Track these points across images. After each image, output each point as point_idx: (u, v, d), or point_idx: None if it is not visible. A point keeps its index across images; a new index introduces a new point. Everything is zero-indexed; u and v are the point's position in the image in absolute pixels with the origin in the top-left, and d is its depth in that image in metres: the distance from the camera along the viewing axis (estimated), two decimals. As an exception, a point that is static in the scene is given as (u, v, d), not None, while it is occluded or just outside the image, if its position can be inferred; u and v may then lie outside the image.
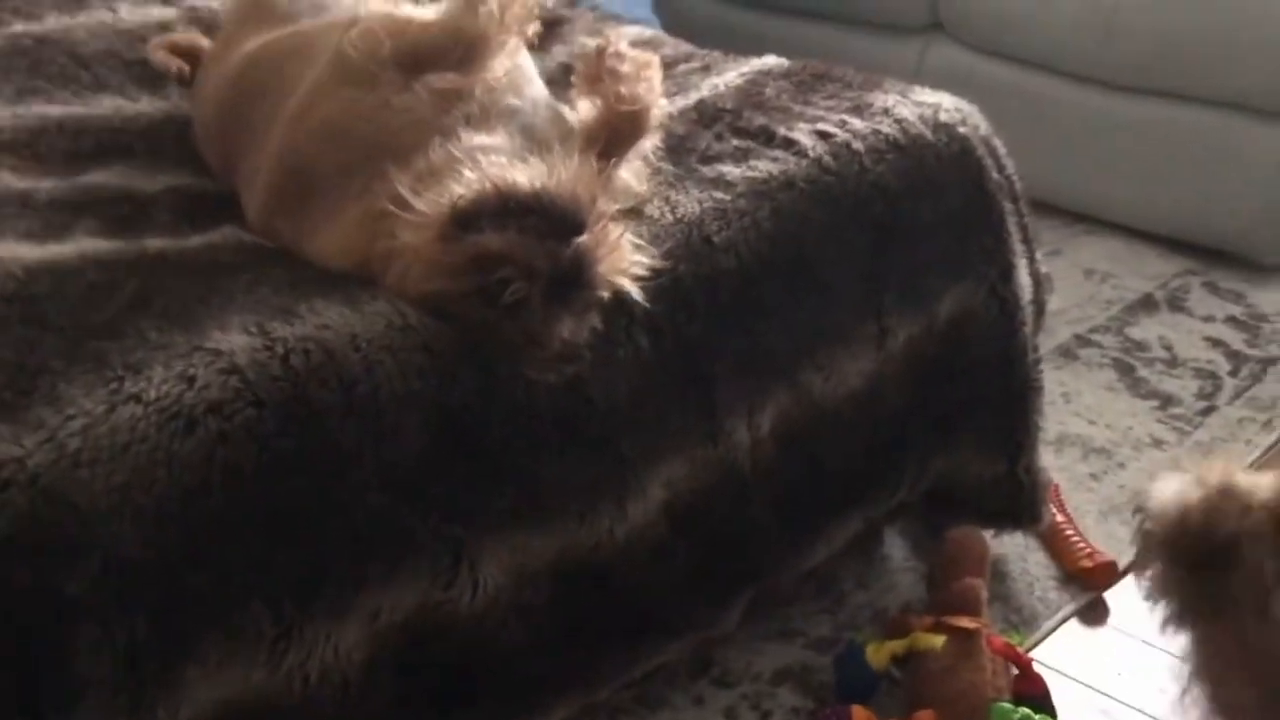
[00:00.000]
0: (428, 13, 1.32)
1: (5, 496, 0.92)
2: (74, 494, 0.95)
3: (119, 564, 0.96)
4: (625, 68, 1.30)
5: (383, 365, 1.08)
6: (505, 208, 1.06)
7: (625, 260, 1.15)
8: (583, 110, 1.29)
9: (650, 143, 1.32)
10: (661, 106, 1.32)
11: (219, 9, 1.73)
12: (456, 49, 1.24)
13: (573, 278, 1.07)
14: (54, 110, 1.50)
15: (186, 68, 1.59)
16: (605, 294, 1.13)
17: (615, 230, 1.15)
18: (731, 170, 1.37)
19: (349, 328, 1.09)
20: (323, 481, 1.05)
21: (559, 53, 1.71)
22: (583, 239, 1.07)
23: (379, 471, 1.08)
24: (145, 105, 1.55)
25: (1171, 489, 1.12)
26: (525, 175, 1.11)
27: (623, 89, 1.27)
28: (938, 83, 2.58)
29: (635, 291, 1.16)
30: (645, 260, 1.19)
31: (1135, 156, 2.51)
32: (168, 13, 1.76)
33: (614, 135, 1.27)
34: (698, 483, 1.29)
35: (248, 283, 1.14)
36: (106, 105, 1.53)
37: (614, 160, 1.25)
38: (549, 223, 1.06)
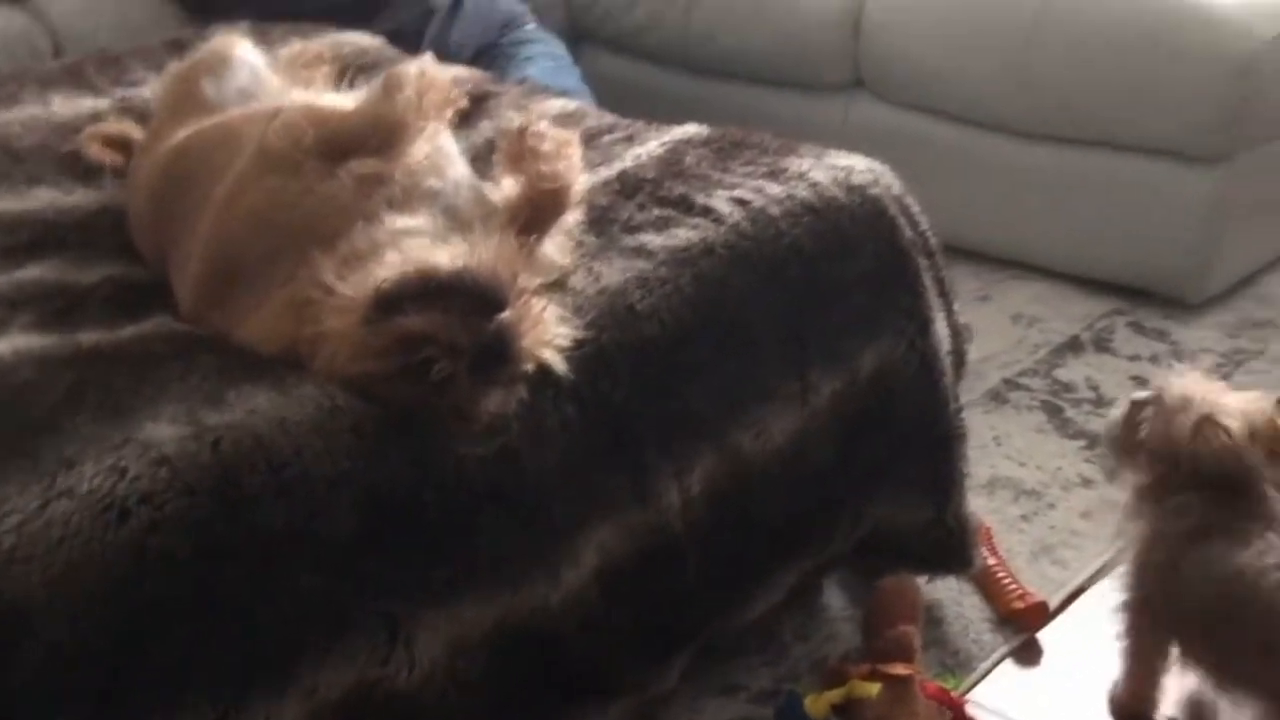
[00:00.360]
0: (348, 101, 1.36)
1: (-58, 595, 0.94)
2: (11, 589, 0.97)
3: (59, 655, 0.98)
4: (546, 146, 1.34)
5: (312, 447, 1.11)
6: (427, 289, 1.10)
7: (549, 333, 1.19)
8: (506, 188, 1.33)
9: (573, 218, 1.36)
10: (582, 183, 1.36)
11: (150, 99, 1.77)
12: (376, 136, 1.28)
13: (496, 353, 1.10)
14: (-13, 205, 1.53)
15: (120, 159, 1.62)
16: (530, 367, 1.17)
17: (538, 304, 1.18)
18: (653, 239, 1.41)
19: (277, 412, 1.12)
20: (256, 565, 1.07)
21: (486, 128, 1.75)
22: (505, 315, 1.10)
23: (312, 552, 1.10)
24: (80, 197, 1.58)
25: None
26: (446, 256, 1.14)
27: (544, 168, 1.32)
28: (862, 138, 2.66)
29: (559, 363, 1.20)
30: (568, 332, 1.23)
31: (1058, 202, 2.58)
32: (100, 104, 1.79)
33: (536, 212, 1.31)
34: (631, 546, 1.32)
35: (179, 372, 1.17)
36: (42, 198, 1.56)
37: (537, 236, 1.30)
38: (471, 301, 1.10)
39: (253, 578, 1.07)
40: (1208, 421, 1.40)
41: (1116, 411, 1.54)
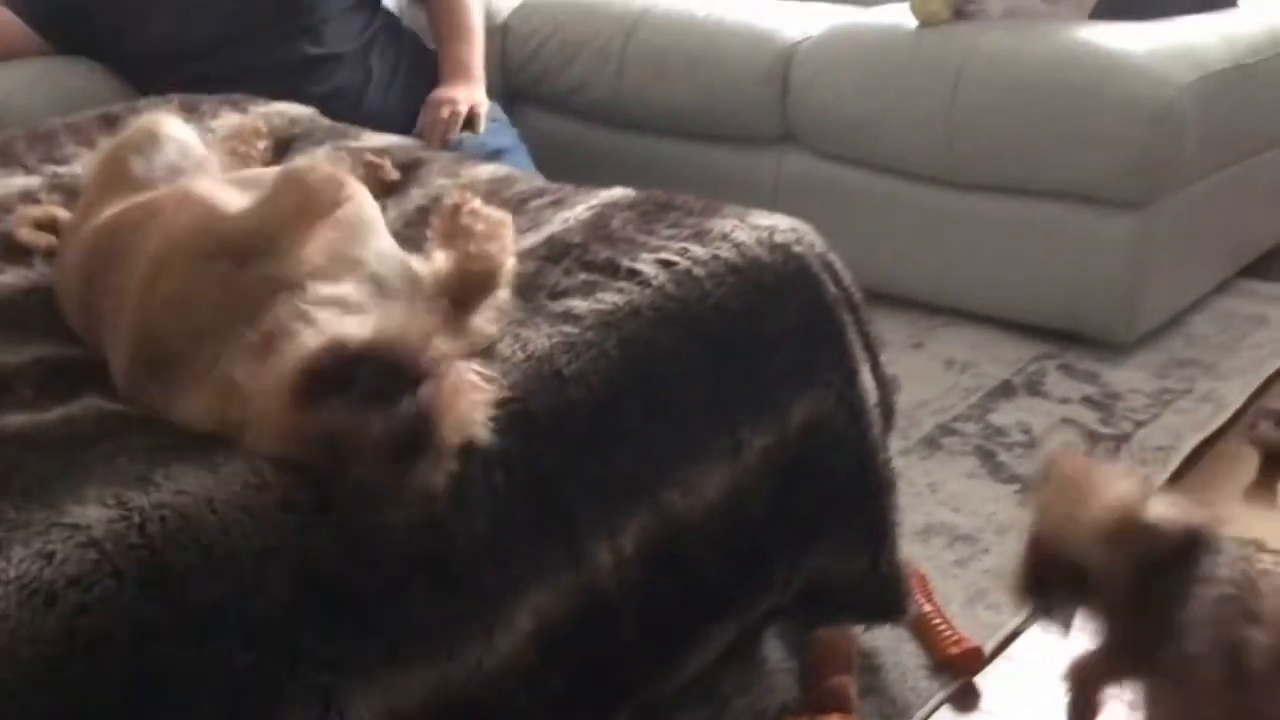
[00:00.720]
0: (242, 200, 1.36)
1: None
2: (-63, 677, 0.97)
3: (-5, 737, 0.99)
4: (480, 226, 1.36)
5: (240, 525, 1.12)
6: (340, 367, 1.11)
7: (469, 402, 1.18)
8: (437, 261, 1.34)
9: (503, 294, 1.38)
10: (512, 265, 1.38)
11: (80, 176, 1.78)
12: (268, 238, 1.27)
13: (414, 435, 1.10)
14: (-84, 288, 1.53)
15: (50, 241, 1.63)
16: (455, 439, 1.18)
17: (457, 370, 1.18)
18: (579, 304, 1.43)
19: (205, 491, 1.13)
20: (187, 643, 1.07)
21: (416, 196, 1.77)
22: (422, 390, 1.11)
23: (244, 628, 1.11)
24: (9, 277, 1.58)
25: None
26: (356, 327, 1.15)
27: (474, 249, 1.34)
28: (794, 191, 2.71)
29: (484, 434, 1.21)
30: (491, 395, 1.22)
31: (987, 249, 2.64)
32: (30, 182, 1.80)
33: (466, 290, 1.32)
34: (565, 607, 1.33)
35: (106, 453, 1.17)
36: (-31, 279, 1.56)
37: (465, 310, 1.31)
38: (384, 374, 1.10)
39: (185, 656, 1.07)
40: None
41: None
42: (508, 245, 1.36)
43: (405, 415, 1.09)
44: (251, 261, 1.25)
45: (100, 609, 1.03)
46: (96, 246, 1.45)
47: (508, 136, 2.64)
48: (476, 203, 1.39)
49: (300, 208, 1.30)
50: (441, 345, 1.18)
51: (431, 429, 1.11)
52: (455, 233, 1.35)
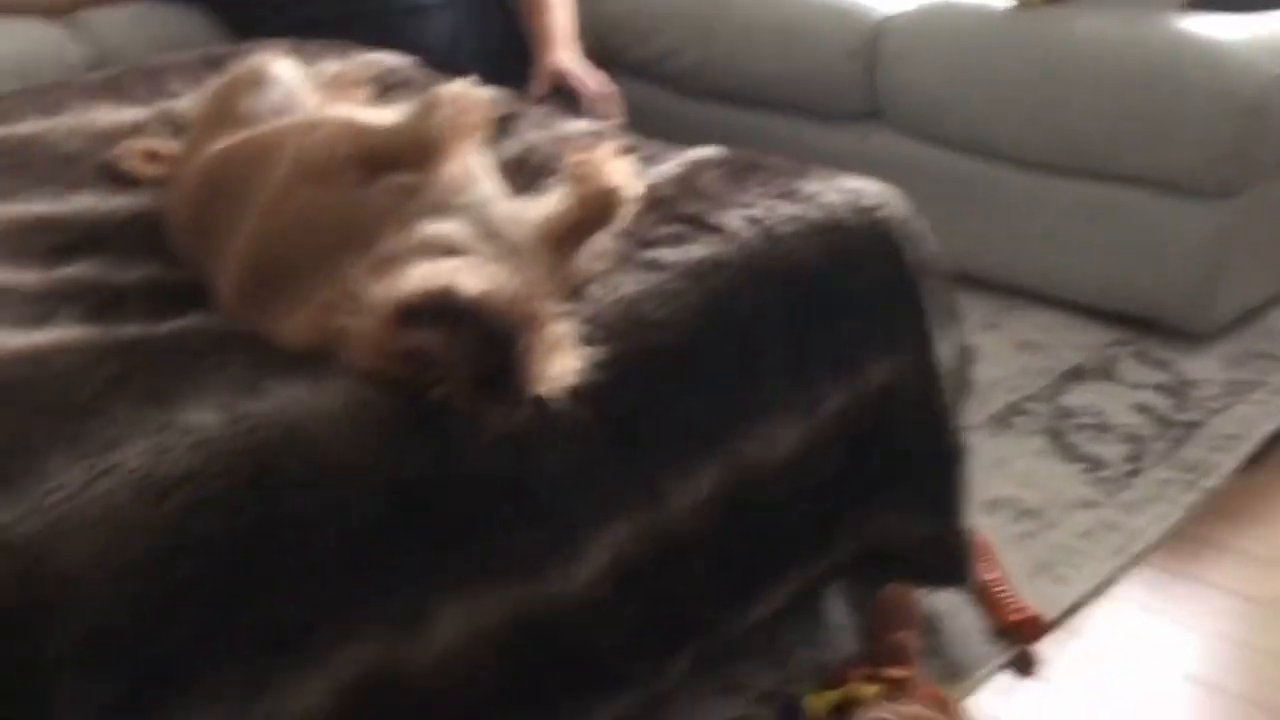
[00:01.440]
0: (387, 118, 1.43)
1: (-9, 563, 1.01)
2: (55, 560, 1.03)
3: (98, 626, 1.05)
4: (604, 170, 1.40)
5: (341, 437, 1.17)
6: (444, 309, 1.15)
7: (560, 365, 1.22)
8: (555, 200, 1.39)
9: (607, 238, 1.42)
10: (635, 194, 1.42)
11: (187, 112, 1.84)
12: (412, 152, 1.34)
13: (497, 386, 1.15)
14: (35, 208, 1.60)
15: (156, 171, 1.70)
16: (537, 394, 1.20)
17: (555, 332, 1.22)
18: (667, 254, 1.47)
19: (310, 402, 1.18)
20: (284, 548, 1.13)
21: (511, 146, 1.82)
22: (516, 348, 1.15)
23: (337, 538, 1.16)
24: (119, 203, 1.65)
25: None
26: (470, 279, 1.18)
27: (596, 187, 1.38)
28: (877, 167, 2.71)
29: (564, 392, 1.22)
30: (580, 365, 1.25)
31: (1067, 233, 2.64)
32: (140, 114, 1.87)
33: (580, 229, 1.38)
34: (640, 544, 1.38)
35: (215, 364, 1.24)
36: (84, 203, 1.63)
37: (574, 247, 1.36)
38: (483, 330, 1.14)
39: (280, 559, 1.13)
40: None
41: None
42: (630, 177, 1.41)
43: (497, 360, 1.14)
44: (386, 172, 1.31)
45: (208, 507, 1.10)
46: (208, 178, 1.51)
47: (599, 101, 2.68)
48: (606, 149, 1.44)
49: (449, 124, 1.34)
50: (544, 307, 1.22)
51: (513, 384, 1.16)
52: (582, 175, 1.40)
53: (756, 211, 1.54)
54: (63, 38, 2.68)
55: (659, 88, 3.17)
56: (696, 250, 1.48)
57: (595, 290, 1.40)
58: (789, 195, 1.59)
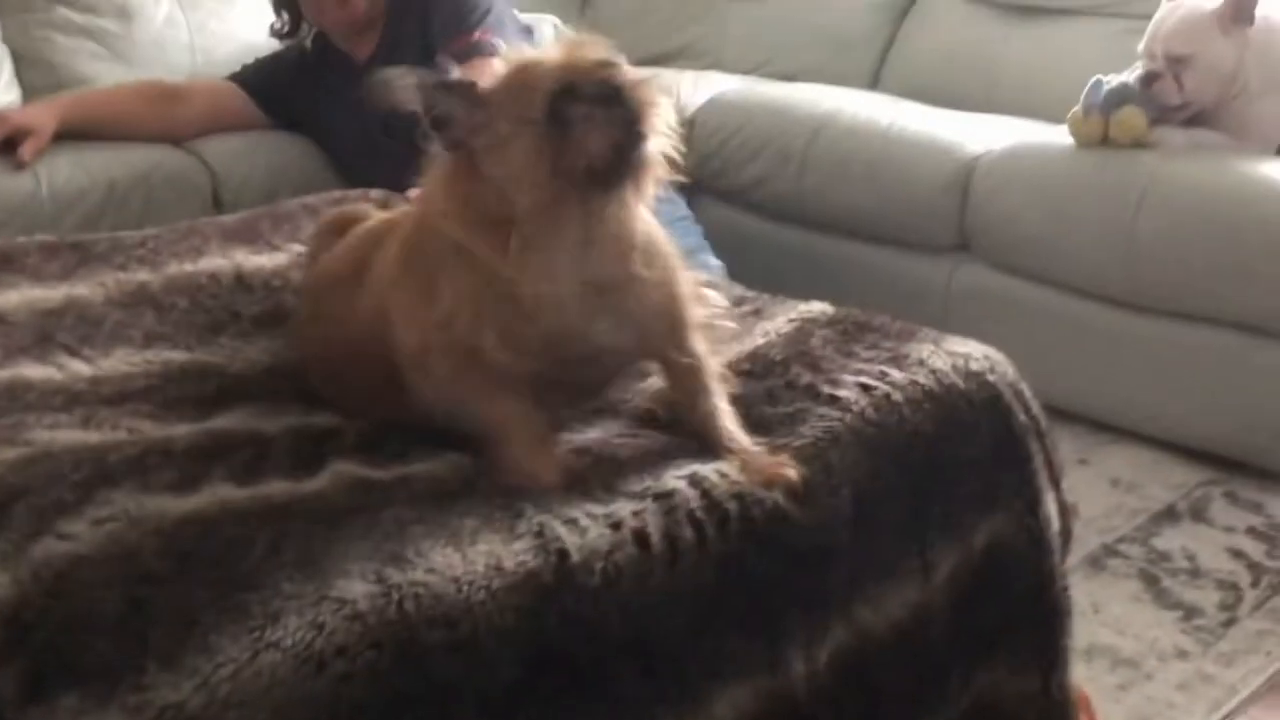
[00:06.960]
0: None
1: (166, 737, 1.07)
2: (224, 732, 1.10)
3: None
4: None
5: (482, 605, 1.23)
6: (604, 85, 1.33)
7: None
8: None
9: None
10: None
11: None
12: None
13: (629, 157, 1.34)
14: (178, 356, 1.68)
15: None
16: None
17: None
18: (787, 437, 1.50)
19: (453, 570, 1.24)
20: (430, 714, 1.19)
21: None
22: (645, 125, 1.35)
23: (477, 702, 1.22)
24: (262, 347, 1.73)
25: None
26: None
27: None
28: (966, 300, 2.77)
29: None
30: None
31: (1156, 371, 2.67)
32: (279, 259, 1.96)
33: None
34: (757, 708, 1.41)
35: (362, 527, 1.30)
36: (226, 349, 1.71)
37: None
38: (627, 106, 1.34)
39: (423, 724, 1.19)
40: None
41: None
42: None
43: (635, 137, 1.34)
44: None
45: (361, 678, 1.15)
46: (317, 286, 1.68)
47: (694, 235, 2.75)
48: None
49: None
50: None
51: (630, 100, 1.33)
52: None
53: (868, 379, 1.59)
54: (181, 162, 2.82)
55: (749, 214, 3.26)
56: (809, 430, 1.50)
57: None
58: (899, 360, 1.64)
